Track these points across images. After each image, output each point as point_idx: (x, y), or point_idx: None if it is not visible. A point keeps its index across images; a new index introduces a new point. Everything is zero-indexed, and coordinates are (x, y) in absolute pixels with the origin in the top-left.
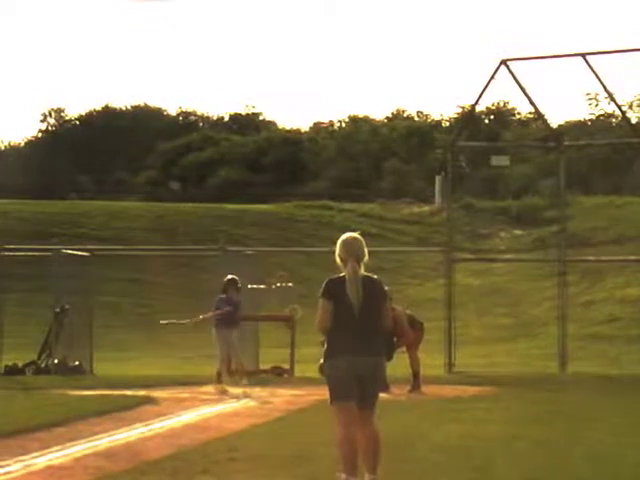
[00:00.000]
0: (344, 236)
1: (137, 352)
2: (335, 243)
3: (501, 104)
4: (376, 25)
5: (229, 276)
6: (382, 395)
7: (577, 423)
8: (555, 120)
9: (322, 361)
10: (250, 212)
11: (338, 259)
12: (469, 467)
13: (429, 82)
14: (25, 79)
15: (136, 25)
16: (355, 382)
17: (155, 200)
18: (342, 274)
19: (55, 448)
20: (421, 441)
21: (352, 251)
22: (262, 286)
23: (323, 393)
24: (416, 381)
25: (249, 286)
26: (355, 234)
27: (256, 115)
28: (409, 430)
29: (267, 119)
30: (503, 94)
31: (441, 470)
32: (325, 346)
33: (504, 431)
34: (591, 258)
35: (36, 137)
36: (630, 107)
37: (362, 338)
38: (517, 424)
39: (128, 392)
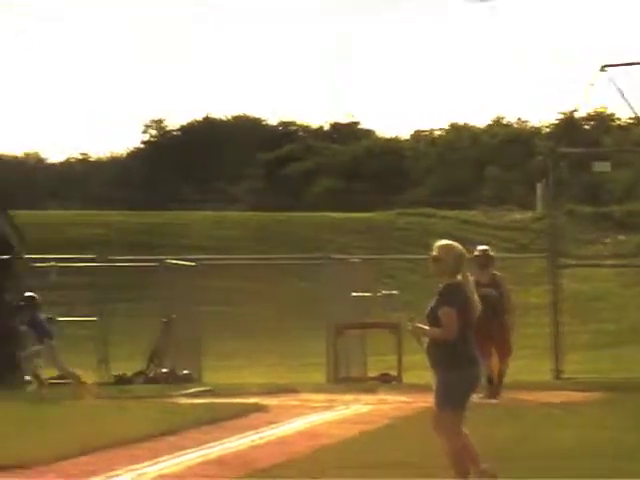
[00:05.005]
0: (455, 246)
1: (245, 360)
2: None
3: (601, 110)
4: (475, 32)
5: (28, 294)
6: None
7: None
8: None
9: (452, 370)
10: (352, 220)
11: (440, 265)
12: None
13: (528, 88)
14: (127, 91)
15: (234, 35)
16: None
17: (258, 209)
18: (453, 281)
19: (166, 457)
20: (534, 446)
21: (463, 262)
22: (367, 294)
23: (431, 400)
24: (494, 386)
25: (353, 294)
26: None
27: (355, 124)
28: (519, 436)
29: (366, 128)
30: (603, 100)
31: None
32: (452, 354)
33: (617, 437)
34: None
35: (138, 148)
36: None
37: (474, 346)
38: (628, 430)
39: (238, 400)
